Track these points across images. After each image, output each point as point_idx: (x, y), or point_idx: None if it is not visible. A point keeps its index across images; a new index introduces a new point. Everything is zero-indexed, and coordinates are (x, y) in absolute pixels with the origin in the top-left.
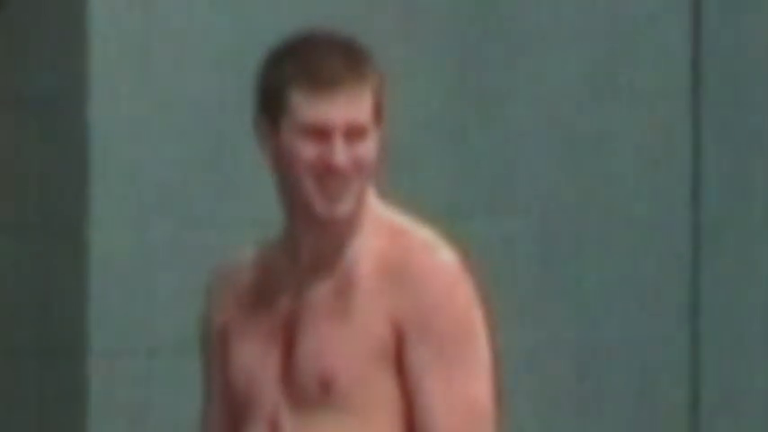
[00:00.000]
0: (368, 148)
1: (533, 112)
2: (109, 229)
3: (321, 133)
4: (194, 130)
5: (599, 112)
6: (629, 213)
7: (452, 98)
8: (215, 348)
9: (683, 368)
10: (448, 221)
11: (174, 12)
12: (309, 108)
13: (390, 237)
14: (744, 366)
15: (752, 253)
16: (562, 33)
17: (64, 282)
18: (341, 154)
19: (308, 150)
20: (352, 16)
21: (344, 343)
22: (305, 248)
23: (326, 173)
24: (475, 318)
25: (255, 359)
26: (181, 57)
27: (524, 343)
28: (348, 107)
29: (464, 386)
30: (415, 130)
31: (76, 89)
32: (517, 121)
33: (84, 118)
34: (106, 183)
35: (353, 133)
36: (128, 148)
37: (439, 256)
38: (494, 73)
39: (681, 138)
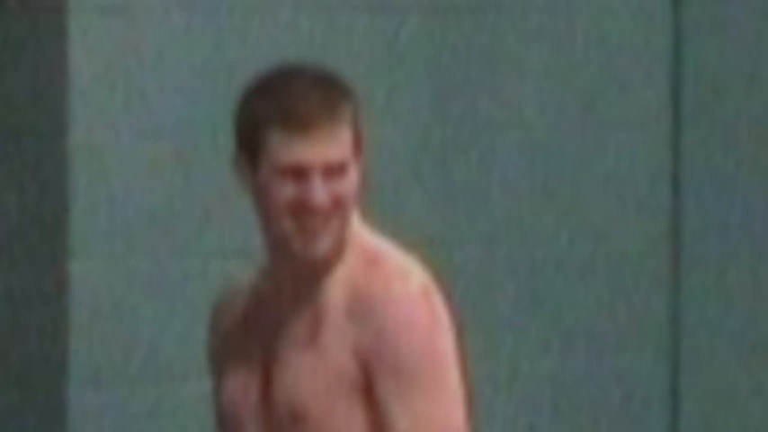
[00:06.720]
0: (348, 183)
1: (513, 141)
2: (89, 259)
3: (299, 173)
4: (174, 159)
5: (579, 141)
6: (609, 242)
7: (432, 127)
8: (213, 375)
9: (663, 399)
10: (428, 250)
11: (153, 40)
12: (285, 149)
13: (365, 266)
14: (724, 398)
15: (732, 283)
16: (542, 62)
17: (44, 312)
18: (319, 193)
19: (286, 190)
20: (331, 45)
21: (314, 376)
22: (285, 280)
23: (305, 212)
24: (439, 344)
25: (239, 389)
26: (161, 85)
27: (503, 372)
28: (325, 146)
29: (431, 414)
30: (395, 159)
31: (55, 118)
32: (497, 149)
33: (63, 147)
34: (86, 212)
35: (332, 171)
36: (107, 178)
37: (399, 286)
38: (474, 101)
39: (661, 166)
